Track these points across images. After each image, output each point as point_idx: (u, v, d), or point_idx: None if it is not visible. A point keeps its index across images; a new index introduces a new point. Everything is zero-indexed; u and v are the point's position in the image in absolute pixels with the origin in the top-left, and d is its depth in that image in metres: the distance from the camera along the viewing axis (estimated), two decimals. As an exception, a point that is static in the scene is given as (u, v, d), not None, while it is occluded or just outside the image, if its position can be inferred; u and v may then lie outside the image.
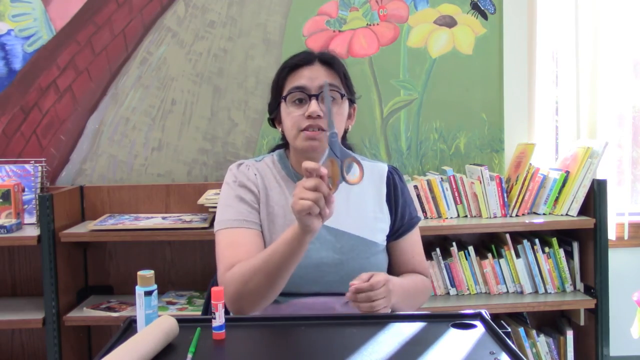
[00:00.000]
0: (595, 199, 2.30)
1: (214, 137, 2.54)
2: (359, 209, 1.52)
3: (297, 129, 1.44)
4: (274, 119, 1.56)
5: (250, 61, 2.52)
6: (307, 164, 1.18)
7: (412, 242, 1.59)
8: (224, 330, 1.18)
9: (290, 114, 1.45)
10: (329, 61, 1.49)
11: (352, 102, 1.53)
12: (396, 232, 1.57)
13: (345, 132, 1.54)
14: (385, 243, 1.55)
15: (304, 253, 1.31)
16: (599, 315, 2.29)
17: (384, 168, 1.60)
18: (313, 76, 1.45)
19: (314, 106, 1.41)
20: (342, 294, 1.43)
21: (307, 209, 1.18)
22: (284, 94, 1.46)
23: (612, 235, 2.40)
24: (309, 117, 1.41)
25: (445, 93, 2.57)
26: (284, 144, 1.60)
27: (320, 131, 1.42)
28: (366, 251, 1.48)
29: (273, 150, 1.62)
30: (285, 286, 1.41)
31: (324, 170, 1.18)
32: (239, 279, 1.36)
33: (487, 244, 2.46)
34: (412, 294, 1.51)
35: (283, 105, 1.47)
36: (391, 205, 1.57)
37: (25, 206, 2.40)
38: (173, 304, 2.31)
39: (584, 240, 2.36)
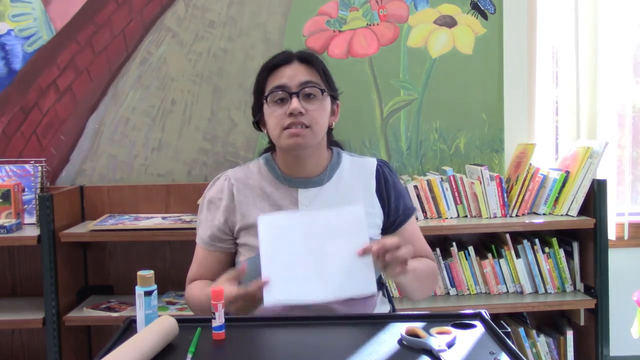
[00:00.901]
0: (595, 199, 2.30)
1: (214, 137, 2.54)
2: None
3: (281, 128, 1.44)
4: (259, 122, 1.56)
5: (250, 61, 2.52)
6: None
7: (411, 230, 1.59)
8: (223, 330, 1.18)
9: (273, 114, 1.45)
10: (308, 59, 1.49)
11: (334, 98, 1.54)
12: (392, 225, 1.56)
13: (330, 129, 1.55)
14: (379, 238, 1.53)
15: None
16: (599, 315, 2.29)
17: (372, 162, 1.58)
18: (293, 74, 1.45)
19: (295, 103, 1.42)
20: None
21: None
22: (265, 94, 1.47)
23: (612, 235, 2.40)
24: (291, 114, 1.42)
25: (445, 93, 2.57)
26: (271, 147, 1.60)
27: (303, 128, 1.43)
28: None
29: (262, 154, 1.62)
30: None
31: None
32: (189, 302, 1.54)
33: (487, 244, 2.46)
34: (423, 274, 1.52)
35: (265, 106, 1.48)
36: (382, 198, 1.55)
37: (25, 206, 2.40)
38: (173, 304, 2.31)
39: (584, 240, 2.36)
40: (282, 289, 1.28)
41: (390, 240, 1.31)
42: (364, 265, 1.30)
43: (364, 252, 1.29)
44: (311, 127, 1.44)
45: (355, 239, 1.31)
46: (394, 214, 1.56)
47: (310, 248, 1.31)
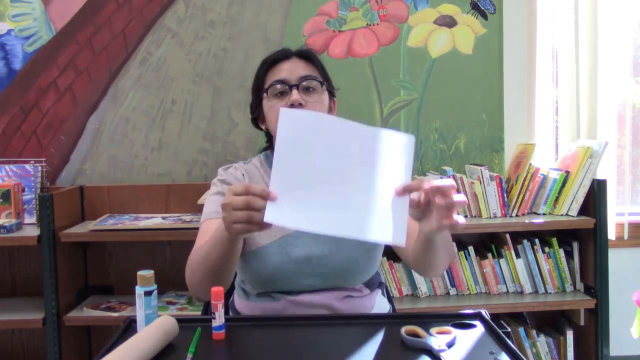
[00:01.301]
0: (595, 199, 2.30)
1: (214, 137, 2.54)
2: None
3: None
4: (257, 118, 1.56)
5: (250, 61, 2.52)
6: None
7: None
8: (223, 330, 1.18)
9: (273, 107, 1.46)
10: (306, 54, 1.51)
11: (331, 94, 1.54)
12: None
13: None
14: None
15: (240, 248, 1.29)
16: (599, 315, 2.29)
17: None
18: (292, 69, 1.47)
19: (295, 95, 1.43)
20: (337, 288, 1.43)
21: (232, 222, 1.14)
22: (265, 87, 1.48)
23: (612, 235, 2.40)
24: (292, 105, 1.42)
25: (445, 93, 2.57)
26: (269, 146, 1.59)
27: None
28: (355, 239, 1.44)
29: (261, 152, 1.62)
30: (280, 283, 1.42)
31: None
32: (188, 269, 1.37)
33: (487, 244, 2.46)
34: (449, 241, 1.37)
35: (265, 101, 1.49)
36: None
37: (25, 206, 2.40)
38: (173, 304, 2.31)
39: (584, 240, 2.36)
40: (288, 210, 1.06)
41: (445, 181, 1.10)
42: (398, 207, 1.06)
43: (404, 191, 1.08)
44: None
45: (394, 172, 1.07)
46: None
47: (336, 167, 1.07)
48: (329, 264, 1.41)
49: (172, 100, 2.53)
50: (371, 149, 1.08)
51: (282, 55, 1.50)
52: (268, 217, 1.05)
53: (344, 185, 1.07)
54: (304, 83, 1.45)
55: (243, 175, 1.53)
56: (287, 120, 1.08)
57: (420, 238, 1.26)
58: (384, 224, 1.06)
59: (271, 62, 1.50)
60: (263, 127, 1.56)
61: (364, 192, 1.07)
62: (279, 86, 1.45)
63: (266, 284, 1.44)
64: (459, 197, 1.10)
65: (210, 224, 1.43)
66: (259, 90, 1.51)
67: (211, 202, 1.49)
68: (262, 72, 1.51)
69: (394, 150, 1.08)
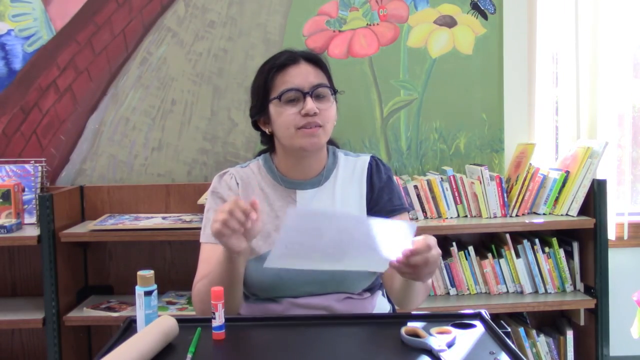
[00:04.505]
0: (595, 199, 2.30)
1: (214, 137, 2.54)
2: (345, 208, 1.49)
3: (294, 127, 1.42)
4: (258, 120, 1.53)
5: (250, 61, 2.52)
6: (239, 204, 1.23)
7: None
8: (224, 330, 1.18)
9: (284, 113, 1.43)
10: (314, 59, 1.49)
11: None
12: (373, 215, 1.48)
13: None
14: None
15: (242, 271, 1.35)
16: (599, 315, 2.29)
17: (365, 160, 1.56)
18: (303, 75, 1.44)
19: (310, 104, 1.41)
20: (337, 293, 1.43)
21: (216, 231, 1.23)
22: (276, 94, 1.44)
23: (612, 235, 2.40)
24: (306, 115, 1.41)
25: (445, 93, 2.57)
26: (267, 149, 1.58)
27: (318, 127, 1.42)
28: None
29: (259, 155, 1.60)
30: (281, 289, 1.42)
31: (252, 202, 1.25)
32: (196, 299, 1.42)
33: (487, 244, 2.46)
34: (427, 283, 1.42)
35: (274, 106, 1.45)
36: (368, 191, 1.52)
37: (25, 206, 2.40)
38: (173, 304, 2.31)
39: (584, 240, 2.36)
40: (287, 260, 1.20)
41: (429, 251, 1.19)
42: (387, 255, 1.19)
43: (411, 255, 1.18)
44: (324, 127, 1.43)
45: (393, 250, 1.19)
46: (374, 202, 1.51)
47: (337, 247, 1.18)
48: (329, 272, 1.41)
49: (172, 100, 2.53)
50: (373, 235, 1.17)
51: (290, 60, 1.46)
52: (268, 264, 1.17)
53: (340, 255, 1.19)
54: (317, 91, 1.44)
55: (238, 184, 1.51)
56: (295, 219, 1.16)
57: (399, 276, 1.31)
58: (370, 261, 1.22)
59: (279, 67, 1.46)
60: (266, 130, 1.52)
61: (358, 260, 1.21)
62: (293, 93, 1.42)
63: (266, 290, 1.44)
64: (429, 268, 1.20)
65: (209, 251, 1.46)
66: (265, 94, 1.47)
67: (208, 220, 1.49)
68: (269, 76, 1.47)
69: (395, 234, 1.18)
